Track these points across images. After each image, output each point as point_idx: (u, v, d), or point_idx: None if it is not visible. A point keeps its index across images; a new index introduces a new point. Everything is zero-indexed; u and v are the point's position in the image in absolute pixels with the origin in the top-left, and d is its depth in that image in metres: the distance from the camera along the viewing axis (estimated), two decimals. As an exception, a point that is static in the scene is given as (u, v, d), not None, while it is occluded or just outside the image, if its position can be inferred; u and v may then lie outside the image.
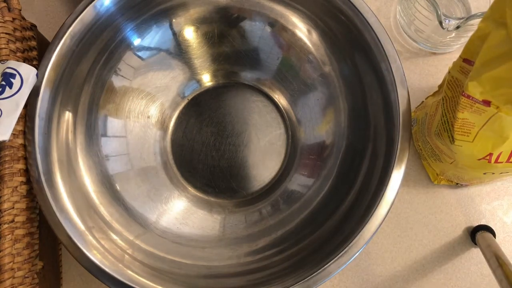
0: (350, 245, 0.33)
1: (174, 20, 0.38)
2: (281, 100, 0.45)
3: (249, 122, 0.45)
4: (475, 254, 0.44)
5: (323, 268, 0.33)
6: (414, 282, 0.43)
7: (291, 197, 0.41)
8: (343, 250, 0.33)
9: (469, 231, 0.44)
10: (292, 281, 0.33)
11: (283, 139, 0.45)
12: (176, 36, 0.41)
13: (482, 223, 0.44)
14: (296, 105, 0.44)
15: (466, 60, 0.32)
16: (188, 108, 0.46)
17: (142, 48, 0.39)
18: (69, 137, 0.37)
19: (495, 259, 0.38)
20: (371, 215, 0.34)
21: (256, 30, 0.40)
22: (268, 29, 0.39)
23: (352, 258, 0.33)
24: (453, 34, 0.44)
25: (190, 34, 0.41)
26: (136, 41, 0.38)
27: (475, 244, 0.43)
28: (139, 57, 0.40)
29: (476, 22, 0.37)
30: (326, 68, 0.39)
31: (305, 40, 0.39)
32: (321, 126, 0.40)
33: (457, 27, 0.37)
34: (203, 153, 0.44)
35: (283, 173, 0.44)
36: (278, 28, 0.38)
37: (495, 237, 0.43)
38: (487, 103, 0.30)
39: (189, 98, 0.46)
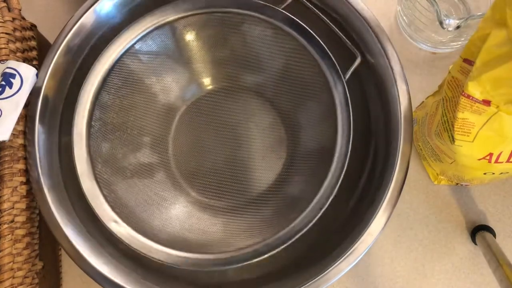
0: (352, 249, 0.34)
1: (174, 24, 0.38)
2: (281, 103, 0.45)
3: (249, 125, 0.45)
4: (475, 254, 0.44)
5: (323, 274, 0.33)
6: (414, 282, 0.43)
7: (292, 200, 0.41)
8: (343, 256, 0.34)
9: (469, 231, 0.44)
10: (292, 284, 0.34)
11: (283, 142, 0.44)
12: (177, 40, 0.41)
13: (482, 223, 0.44)
14: (297, 108, 0.43)
15: (466, 60, 0.32)
16: (188, 112, 0.45)
17: (142, 51, 0.39)
18: (70, 138, 0.37)
19: (495, 259, 0.38)
20: (372, 220, 0.34)
21: (257, 34, 0.40)
22: (269, 32, 0.39)
23: (354, 263, 0.34)
24: (453, 34, 0.44)
25: (190, 37, 0.41)
26: (137, 45, 0.37)
27: (475, 244, 0.43)
28: (139, 60, 0.40)
29: (476, 22, 0.37)
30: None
31: (307, 44, 0.39)
32: (321, 129, 0.40)
33: (457, 27, 0.37)
34: (204, 156, 0.44)
35: (284, 176, 0.43)
36: (280, 32, 0.38)
37: (495, 237, 0.43)
38: (487, 102, 0.30)
39: (190, 102, 0.46)
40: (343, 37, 0.37)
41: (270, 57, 0.42)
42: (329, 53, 0.36)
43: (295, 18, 0.37)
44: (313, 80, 0.39)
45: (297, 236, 0.33)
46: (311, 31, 0.36)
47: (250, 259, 0.33)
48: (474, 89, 0.30)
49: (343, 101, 0.35)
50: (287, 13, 0.37)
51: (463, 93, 0.30)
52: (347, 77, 0.36)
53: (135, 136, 0.42)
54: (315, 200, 0.34)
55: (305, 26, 0.36)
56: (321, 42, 0.36)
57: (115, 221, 0.33)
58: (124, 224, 0.34)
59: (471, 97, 0.30)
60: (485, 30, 0.29)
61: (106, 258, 0.34)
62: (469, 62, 0.31)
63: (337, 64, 0.36)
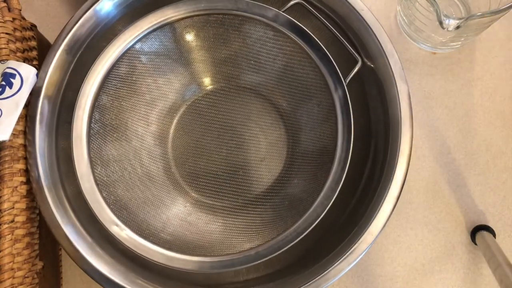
0: (352, 248, 0.33)
1: (174, 24, 0.38)
2: (281, 104, 0.45)
3: (249, 125, 0.45)
4: (475, 254, 0.44)
5: (323, 274, 0.33)
6: (414, 282, 0.43)
7: (292, 200, 0.41)
8: (343, 256, 0.33)
9: (469, 231, 0.44)
10: (292, 284, 0.34)
11: (283, 143, 0.44)
12: (177, 40, 0.41)
13: (482, 223, 0.44)
14: (297, 109, 0.43)
15: None
16: (188, 112, 0.45)
17: (142, 52, 0.39)
18: (69, 138, 0.37)
19: (495, 259, 0.38)
20: (372, 220, 0.34)
21: (257, 35, 0.40)
22: (269, 33, 0.39)
23: (354, 263, 0.33)
24: (453, 34, 0.44)
25: (190, 38, 0.41)
26: (136, 45, 0.37)
27: (475, 244, 0.43)
28: (139, 61, 0.39)
29: (476, 22, 0.37)
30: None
31: (307, 48, 0.39)
32: (322, 130, 0.40)
33: (457, 27, 0.37)
34: (204, 157, 0.44)
35: (284, 177, 0.43)
36: (281, 35, 0.38)
37: (495, 237, 0.43)
38: None
39: (190, 102, 0.46)
40: (344, 42, 0.37)
41: (271, 59, 0.42)
42: (330, 57, 0.36)
43: (296, 22, 0.37)
44: (313, 83, 0.39)
45: (299, 238, 0.33)
46: (312, 35, 0.36)
47: (251, 261, 0.33)
48: None
49: (343, 104, 0.35)
50: (288, 16, 0.37)
51: None
52: (347, 81, 0.36)
53: (135, 137, 0.42)
54: (316, 202, 0.34)
55: (306, 29, 0.36)
56: (322, 46, 0.36)
57: (116, 224, 0.34)
58: (125, 227, 0.34)
59: None
60: None
61: (106, 257, 0.34)
62: None
63: (337, 69, 0.36)
